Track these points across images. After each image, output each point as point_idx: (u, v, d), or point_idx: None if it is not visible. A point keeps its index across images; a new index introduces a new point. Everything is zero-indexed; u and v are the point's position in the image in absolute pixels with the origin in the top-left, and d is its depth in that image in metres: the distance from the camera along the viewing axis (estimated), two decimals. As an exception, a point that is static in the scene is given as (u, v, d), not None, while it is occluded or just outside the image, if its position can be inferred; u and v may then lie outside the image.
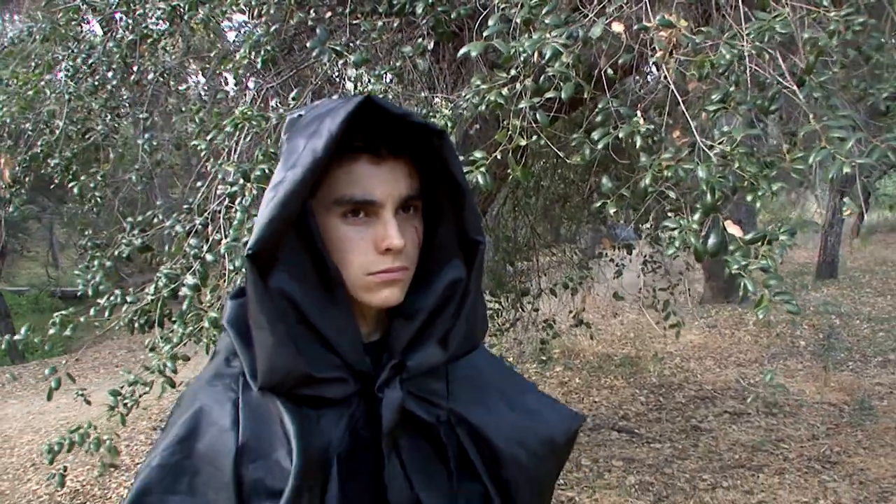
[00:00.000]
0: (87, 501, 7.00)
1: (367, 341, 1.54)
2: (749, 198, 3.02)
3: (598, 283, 8.62)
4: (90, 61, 5.16)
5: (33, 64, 5.54)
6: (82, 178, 5.26)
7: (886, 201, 40.62)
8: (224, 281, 3.84)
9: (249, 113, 3.74)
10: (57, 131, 5.03)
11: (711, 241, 3.04)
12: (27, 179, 5.56)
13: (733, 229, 3.05)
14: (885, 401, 9.54)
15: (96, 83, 5.13)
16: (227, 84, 5.57)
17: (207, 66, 5.41)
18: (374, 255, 1.43)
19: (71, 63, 5.19)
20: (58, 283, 32.05)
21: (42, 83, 5.22)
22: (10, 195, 5.44)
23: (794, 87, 3.12)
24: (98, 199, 5.20)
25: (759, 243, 2.98)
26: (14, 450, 8.97)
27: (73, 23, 5.44)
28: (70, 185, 5.14)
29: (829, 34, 3.27)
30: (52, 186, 5.89)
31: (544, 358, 8.40)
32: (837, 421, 8.81)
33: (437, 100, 4.03)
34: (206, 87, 5.48)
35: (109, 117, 5.25)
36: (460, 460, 1.60)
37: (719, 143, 3.02)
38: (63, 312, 4.41)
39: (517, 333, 8.42)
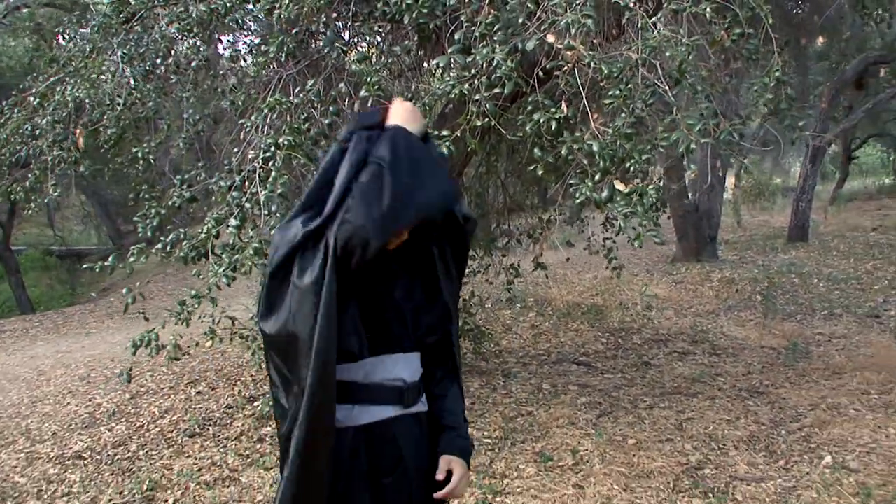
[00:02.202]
0: (123, 417, 8.37)
1: None
2: (628, 164, 4.45)
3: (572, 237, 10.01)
4: (141, 50, 6.58)
5: (95, 52, 6.95)
6: (137, 144, 6.72)
7: (861, 169, 41.82)
8: (262, 223, 5.28)
9: (280, 98, 5.22)
10: (118, 108, 6.43)
11: (605, 194, 4.48)
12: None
13: (619, 186, 4.48)
14: (822, 347, 10.93)
15: (147, 68, 6.54)
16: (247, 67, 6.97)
17: (236, 54, 6.82)
18: None
19: (125, 51, 6.59)
20: (64, 242, 33.25)
21: (103, 68, 6.63)
22: (79, 158, 6.86)
23: (667, 87, 4.55)
24: (151, 161, 6.63)
25: (636, 195, 4.42)
26: (49, 381, 10.31)
27: (120, 16, 6.86)
28: (134, 150, 6.58)
29: (711, 43, 4.74)
30: (102, 151, 7.28)
31: (510, 296, 9.83)
32: (773, 361, 10.21)
33: (420, 87, 5.48)
34: (236, 72, 6.83)
35: (157, 96, 6.65)
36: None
37: (611, 125, 4.49)
38: (139, 246, 5.78)
39: (489, 276, 9.86)
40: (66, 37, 8.29)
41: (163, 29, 6.61)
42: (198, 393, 9.04)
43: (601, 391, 8.93)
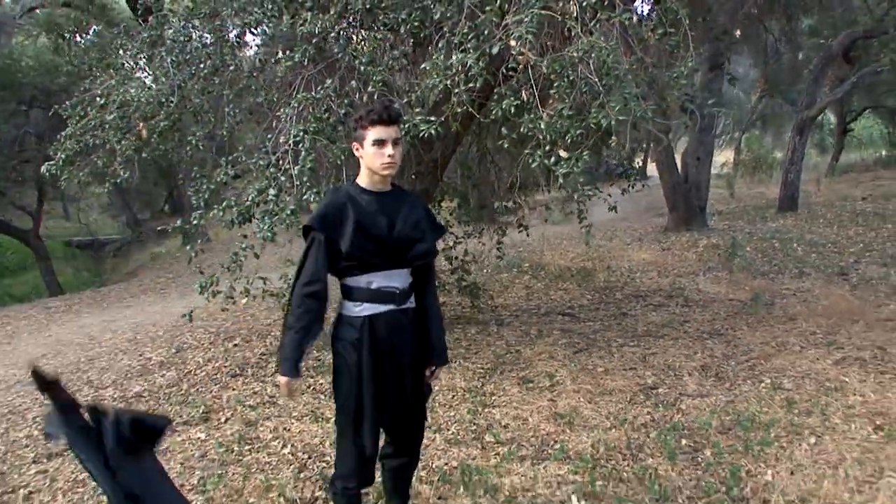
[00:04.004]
0: (172, 367, 9.94)
1: (379, 191, 4.69)
2: (567, 137, 6.11)
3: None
4: (186, 56, 8.25)
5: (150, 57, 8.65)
6: (184, 135, 8.46)
7: (860, 142, 42.93)
8: (294, 192, 6.99)
9: (307, 95, 6.95)
10: (171, 105, 8.12)
11: (553, 160, 6.14)
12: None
13: (562, 153, 6.14)
14: (785, 299, 12.50)
15: (193, 71, 8.21)
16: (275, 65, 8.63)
17: (266, 57, 8.48)
18: (384, 158, 4.54)
19: (174, 58, 8.27)
20: (89, 231, 34.85)
21: (158, 73, 8.32)
22: (141, 146, 8.57)
23: (597, 79, 6.21)
24: (200, 146, 8.33)
25: (573, 160, 6.09)
26: (101, 343, 11.89)
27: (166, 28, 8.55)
28: (189, 138, 8.31)
29: (640, 40, 6.43)
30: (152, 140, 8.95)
31: (500, 254, 11.51)
32: (738, 311, 11.82)
33: (414, 83, 7.16)
34: (266, 72, 8.50)
35: (201, 94, 8.33)
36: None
37: (556, 110, 6.17)
38: (199, 211, 7.44)
39: (482, 239, 11.61)
40: (84, 37, 9.93)
41: (202, 38, 8.29)
42: (234, 345, 10.65)
43: (580, 334, 10.60)
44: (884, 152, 40.37)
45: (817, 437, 6.90)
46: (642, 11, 7.98)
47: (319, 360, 9.41)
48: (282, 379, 4.50)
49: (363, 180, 4.68)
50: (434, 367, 4.99)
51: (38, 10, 25.16)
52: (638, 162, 42.33)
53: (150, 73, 8.54)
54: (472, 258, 11.67)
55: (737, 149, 44.09)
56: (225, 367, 9.70)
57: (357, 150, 4.67)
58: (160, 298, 17.66)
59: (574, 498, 5.75)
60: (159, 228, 30.98)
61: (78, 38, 23.53)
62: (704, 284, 13.93)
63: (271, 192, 6.96)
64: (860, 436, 6.84)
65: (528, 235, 11.01)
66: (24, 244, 26.04)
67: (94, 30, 23.11)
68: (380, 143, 4.51)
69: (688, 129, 22.16)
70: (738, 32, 21.70)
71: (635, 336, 10.56)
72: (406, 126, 6.60)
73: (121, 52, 9.58)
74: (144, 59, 8.87)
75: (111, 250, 32.14)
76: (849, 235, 19.26)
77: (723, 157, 46.43)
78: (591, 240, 8.56)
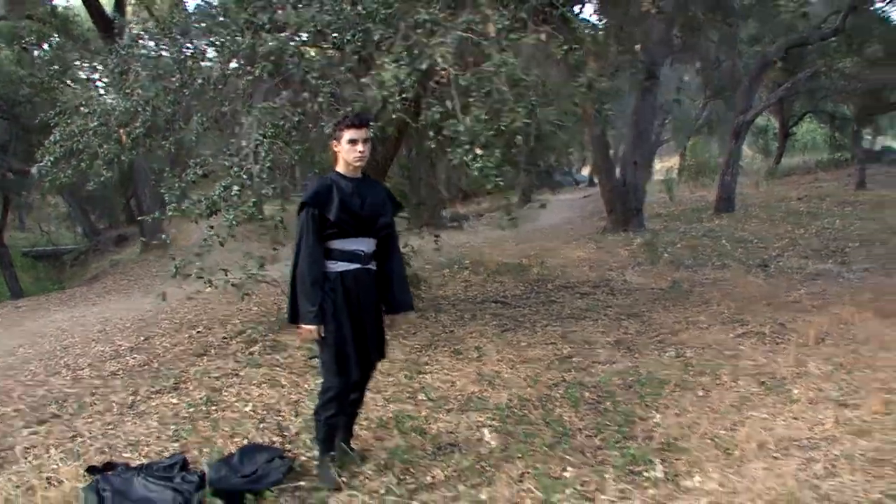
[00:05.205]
0: (142, 351, 11.00)
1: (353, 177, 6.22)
2: (482, 138, 7.48)
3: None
4: (159, 71, 9.56)
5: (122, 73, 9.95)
6: (157, 140, 9.80)
7: (804, 145, 44.38)
8: (255, 187, 8.32)
9: (267, 105, 8.30)
10: (146, 114, 9.43)
11: (470, 157, 7.51)
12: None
13: (478, 150, 7.48)
14: (703, 287, 13.91)
15: (164, 85, 9.51)
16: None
17: (229, 72, 9.78)
18: (356, 153, 6.06)
19: (148, 72, 9.57)
20: (50, 241, 35.75)
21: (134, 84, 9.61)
22: (120, 151, 9.86)
23: (507, 90, 7.58)
24: (171, 150, 9.68)
25: (487, 157, 7.46)
26: (73, 335, 13.08)
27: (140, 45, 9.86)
28: (163, 142, 9.65)
29: (546, 56, 7.82)
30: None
31: (437, 247, 12.81)
32: (657, 297, 13.22)
33: (358, 94, 8.51)
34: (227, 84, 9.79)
35: (172, 104, 9.62)
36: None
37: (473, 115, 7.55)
38: (172, 204, 8.74)
39: (421, 233, 12.98)
40: (42, 49, 11.25)
41: (173, 55, 9.60)
42: (198, 332, 11.89)
43: (509, 318, 11.98)
44: (825, 155, 41.80)
45: (706, 391, 8.29)
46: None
47: (277, 341, 10.70)
48: (309, 327, 6.02)
49: (341, 169, 6.23)
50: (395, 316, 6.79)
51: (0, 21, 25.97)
52: (584, 171, 43.84)
53: (112, 85, 9.85)
54: (412, 249, 12.95)
55: (682, 154, 45.61)
56: (190, 349, 10.89)
57: (336, 146, 6.22)
58: (124, 298, 18.85)
59: (486, 432, 7.12)
60: (114, 237, 32.14)
61: (37, 51, 24.43)
62: (631, 277, 15.37)
63: (235, 188, 8.29)
64: (744, 390, 8.21)
65: (462, 229, 12.32)
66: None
67: (54, 42, 24.01)
68: (353, 141, 6.09)
69: (625, 136, 23.60)
70: (678, 40, 23.11)
71: (559, 318, 11.94)
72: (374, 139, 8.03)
73: (81, 64, 10.88)
74: (115, 74, 10.09)
75: (69, 259, 32.96)
76: (778, 233, 20.84)
77: (670, 163, 47.99)
78: (510, 227, 10.00)
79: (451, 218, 11.98)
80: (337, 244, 6.17)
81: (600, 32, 18.05)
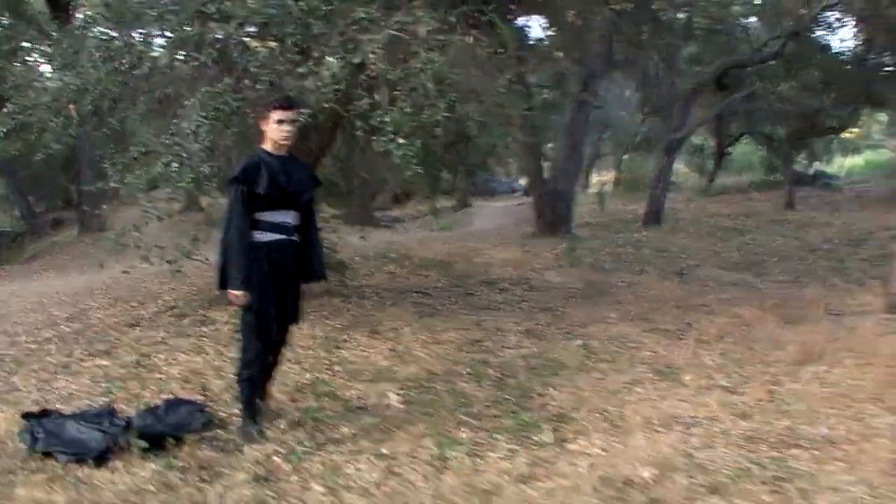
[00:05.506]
0: (77, 321, 11.53)
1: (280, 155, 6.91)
2: (405, 128, 8.17)
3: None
4: (111, 53, 10.14)
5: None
6: (105, 117, 10.38)
7: (734, 166, 45.31)
8: (193, 165, 8.95)
9: (210, 90, 8.94)
10: (95, 93, 10.00)
11: (394, 145, 8.19)
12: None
13: (401, 140, 8.17)
14: (619, 289, 14.60)
15: (115, 66, 10.10)
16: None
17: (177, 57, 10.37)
18: (282, 133, 6.76)
19: (101, 53, 10.15)
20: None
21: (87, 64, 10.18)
22: (71, 125, 10.41)
23: (432, 86, 8.28)
24: (116, 128, 10.28)
25: (405, 146, 8.15)
26: (10, 305, 13.35)
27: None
28: (109, 118, 10.23)
29: (472, 57, 8.54)
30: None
31: (362, 236, 13.43)
32: (573, 295, 13.95)
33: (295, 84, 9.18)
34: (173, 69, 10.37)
35: (120, 85, 10.19)
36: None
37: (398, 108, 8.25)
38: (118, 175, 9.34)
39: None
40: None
41: (124, 38, 10.19)
42: (131, 306, 12.36)
43: (429, 306, 12.65)
44: (760, 176, 42.74)
45: (602, 374, 9.00)
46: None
47: (206, 316, 11.33)
48: (237, 293, 6.67)
49: (268, 147, 6.87)
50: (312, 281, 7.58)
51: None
52: (522, 181, 44.45)
53: (64, 64, 10.43)
54: (338, 237, 13.63)
55: (617, 167, 46.47)
56: (123, 320, 11.40)
57: (264, 125, 6.85)
58: (61, 275, 19.25)
59: (392, 395, 7.85)
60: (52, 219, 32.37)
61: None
62: (550, 277, 15.98)
63: (174, 165, 8.90)
64: (639, 376, 8.91)
65: (394, 230, 12.90)
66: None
67: (5, 22, 24.28)
68: (280, 122, 6.75)
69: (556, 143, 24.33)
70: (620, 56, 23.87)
71: (476, 308, 12.61)
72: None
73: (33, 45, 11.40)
74: (67, 53, 10.63)
75: (6, 241, 33.09)
76: (701, 245, 21.76)
77: (607, 177, 48.83)
78: (443, 228, 10.67)
79: (385, 219, 12.55)
80: (264, 216, 6.79)
81: (544, 42, 18.92)
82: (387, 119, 8.25)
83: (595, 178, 48.43)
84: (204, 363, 9.16)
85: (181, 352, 9.68)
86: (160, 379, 8.59)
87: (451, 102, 8.39)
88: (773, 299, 13.24)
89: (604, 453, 6.60)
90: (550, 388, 8.43)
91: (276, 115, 6.76)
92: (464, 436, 7.00)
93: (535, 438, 6.93)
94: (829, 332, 10.35)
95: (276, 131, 6.79)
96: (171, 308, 11.97)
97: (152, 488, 6.02)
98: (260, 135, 7.01)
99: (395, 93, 8.52)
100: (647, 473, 6.11)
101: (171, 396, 7.84)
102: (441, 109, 8.26)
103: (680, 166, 45.77)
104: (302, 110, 7.76)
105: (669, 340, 10.54)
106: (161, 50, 10.08)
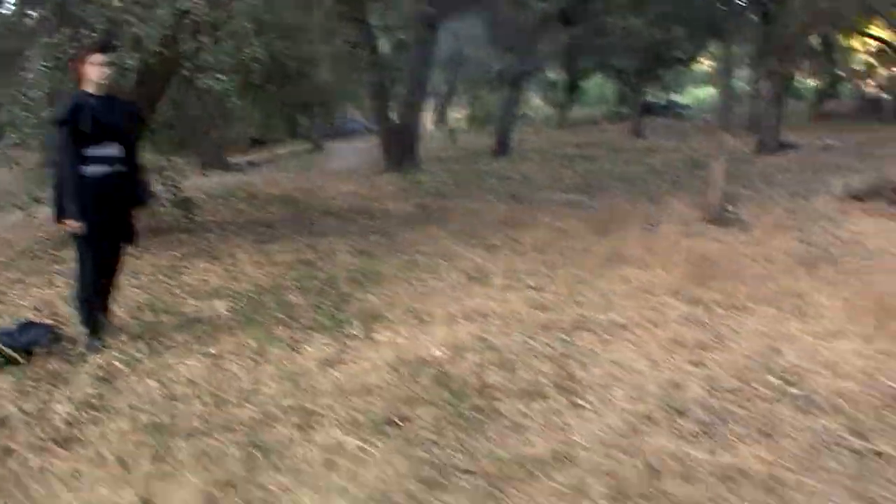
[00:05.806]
0: None
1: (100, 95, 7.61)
2: (225, 66, 9.13)
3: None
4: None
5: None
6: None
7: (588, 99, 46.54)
8: (35, 110, 9.77)
9: (50, 41, 9.78)
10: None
11: (214, 80, 9.17)
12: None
13: (222, 77, 9.14)
14: (454, 213, 15.58)
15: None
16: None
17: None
18: (101, 74, 7.41)
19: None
20: None
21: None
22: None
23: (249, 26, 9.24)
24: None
25: (224, 82, 9.12)
26: None
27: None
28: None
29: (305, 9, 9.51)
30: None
31: (204, 173, 14.17)
32: (410, 220, 14.94)
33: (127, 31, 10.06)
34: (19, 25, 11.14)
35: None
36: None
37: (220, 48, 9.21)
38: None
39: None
40: None
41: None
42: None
43: (268, 235, 13.51)
44: (611, 108, 44.08)
45: (422, 282, 10.02)
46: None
47: (56, 255, 11.88)
48: (75, 223, 7.29)
49: (90, 88, 7.33)
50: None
51: None
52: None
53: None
54: (182, 177, 14.47)
55: (471, 104, 47.29)
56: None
57: (83, 68, 7.35)
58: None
59: (219, 305, 9.02)
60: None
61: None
62: (391, 206, 16.99)
63: (19, 111, 9.73)
64: (454, 281, 10.02)
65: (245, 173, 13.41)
66: None
67: None
68: (98, 64, 7.28)
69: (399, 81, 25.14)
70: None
71: (313, 234, 13.48)
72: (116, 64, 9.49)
73: None
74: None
75: None
76: (545, 173, 22.93)
77: (462, 113, 49.61)
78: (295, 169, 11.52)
79: (238, 163, 13.27)
80: (91, 151, 7.29)
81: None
82: (209, 59, 9.16)
83: (450, 115, 49.40)
84: (54, 294, 9.84)
85: (35, 286, 10.39)
86: (14, 310, 9.30)
87: (269, 42, 9.32)
88: (599, 215, 14.52)
89: (406, 342, 7.66)
90: (369, 295, 9.41)
91: (94, 58, 7.33)
92: (284, 334, 7.98)
93: (346, 332, 7.98)
94: (641, 238, 11.63)
95: (95, 73, 7.29)
96: (25, 251, 12.59)
97: (8, 395, 6.79)
98: (80, 78, 7.50)
99: (218, 34, 9.43)
100: (439, 353, 7.24)
101: (24, 320, 8.65)
102: (258, 48, 9.19)
103: (536, 101, 47.01)
104: (115, 53, 8.54)
105: (490, 253, 11.55)
106: (13, 8, 10.81)
